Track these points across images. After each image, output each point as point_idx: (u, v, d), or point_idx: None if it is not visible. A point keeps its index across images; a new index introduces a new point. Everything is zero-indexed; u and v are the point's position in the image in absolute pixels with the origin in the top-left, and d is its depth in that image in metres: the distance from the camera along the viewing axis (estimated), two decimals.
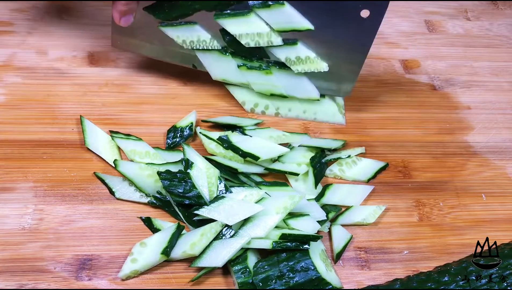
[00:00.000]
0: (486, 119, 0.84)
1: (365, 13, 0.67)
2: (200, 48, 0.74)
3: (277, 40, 0.71)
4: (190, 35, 0.73)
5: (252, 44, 0.71)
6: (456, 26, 0.99)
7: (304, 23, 0.69)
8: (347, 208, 0.69)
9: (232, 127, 0.75)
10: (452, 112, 0.84)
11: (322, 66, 0.73)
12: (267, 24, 0.70)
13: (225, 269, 0.62)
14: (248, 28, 0.70)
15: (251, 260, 0.61)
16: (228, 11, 0.70)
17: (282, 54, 0.73)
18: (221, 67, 0.76)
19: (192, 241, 0.60)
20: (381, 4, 0.66)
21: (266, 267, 0.60)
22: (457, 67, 0.91)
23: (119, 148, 0.70)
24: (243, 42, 0.71)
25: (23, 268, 0.59)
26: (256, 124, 0.76)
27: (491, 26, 1.00)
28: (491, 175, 0.76)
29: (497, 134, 0.82)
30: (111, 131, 0.72)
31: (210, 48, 0.74)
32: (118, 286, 0.59)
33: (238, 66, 0.75)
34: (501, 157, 0.79)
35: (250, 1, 0.69)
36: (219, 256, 0.60)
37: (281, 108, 0.78)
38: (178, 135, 0.73)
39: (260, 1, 0.69)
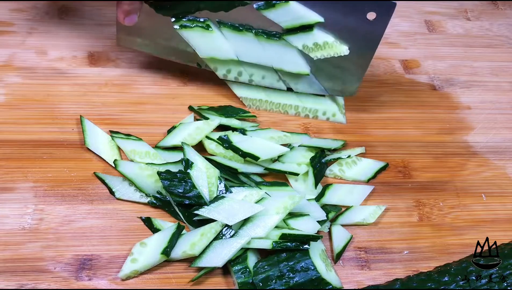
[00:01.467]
0: (486, 119, 0.84)
1: (371, 16, 0.67)
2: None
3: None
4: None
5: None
6: (456, 26, 0.99)
7: (313, 16, 0.68)
8: (347, 208, 0.69)
9: (227, 128, 0.75)
10: (452, 112, 0.84)
11: (342, 49, 0.70)
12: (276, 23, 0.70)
13: (225, 269, 0.62)
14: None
15: (251, 260, 0.61)
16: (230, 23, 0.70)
17: (298, 42, 0.71)
18: (207, 43, 0.74)
19: (192, 241, 0.60)
20: (387, 6, 0.66)
21: (266, 267, 0.60)
22: (457, 67, 0.91)
23: (119, 148, 0.70)
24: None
25: (23, 268, 0.59)
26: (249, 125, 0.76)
27: (491, 26, 1.00)
28: (491, 175, 0.76)
29: (497, 134, 0.82)
30: (111, 131, 0.72)
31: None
32: (118, 286, 0.59)
33: (219, 23, 0.72)
34: (501, 157, 0.79)
35: (255, 4, 0.69)
36: (219, 256, 0.60)
37: (282, 106, 0.79)
38: None
39: (264, 2, 0.69)
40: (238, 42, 0.73)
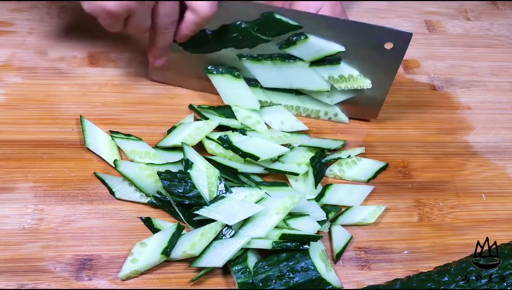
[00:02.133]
0: (486, 119, 0.83)
1: (388, 45, 0.68)
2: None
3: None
4: None
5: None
6: (456, 26, 0.99)
7: (334, 47, 0.70)
8: (347, 208, 0.69)
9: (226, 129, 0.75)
10: (452, 112, 0.84)
11: (366, 83, 0.73)
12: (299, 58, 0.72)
13: (225, 269, 0.62)
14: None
15: (251, 260, 0.61)
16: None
17: (325, 73, 0.73)
18: (233, 91, 0.76)
19: (192, 241, 0.60)
20: (403, 36, 0.67)
21: (266, 267, 0.60)
22: (457, 67, 0.91)
23: (119, 148, 0.70)
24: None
25: (23, 268, 0.59)
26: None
27: (491, 26, 1.00)
28: (491, 175, 0.76)
29: (497, 134, 0.82)
30: (111, 131, 0.72)
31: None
32: (118, 286, 0.59)
33: (239, 56, 0.74)
34: (501, 157, 0.79)
35: (277, 42, 0.70)
36: (219, 256, 0.60)
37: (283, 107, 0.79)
38: None
39: (285, 40, 0.70)
40: (258, 71, 0.75)
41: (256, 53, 0.73)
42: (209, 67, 0.75)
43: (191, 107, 0.77)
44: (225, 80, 0.75)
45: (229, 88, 0.75)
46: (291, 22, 0.68)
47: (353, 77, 0.72)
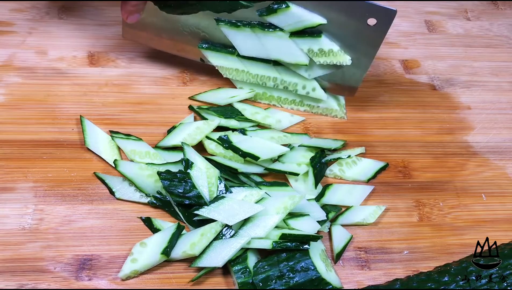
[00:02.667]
0: (486, 119, 0.84)
1: (371, 21, 0.68)
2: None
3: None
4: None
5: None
6: (456, 26, 0.99)
7: (315, 19, 0.69)
8: (347, 208, 0.69)
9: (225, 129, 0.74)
10: (452, 112, 0.84)
11: (345, 59, 0.71)
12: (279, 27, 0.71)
13: (225, 269, 0.62)
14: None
15: (251, 260, 0.61)
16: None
17: (304, 45, 0.71)
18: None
19: (192, 241, 0.60)
20: (387, 13, 0.66)
21: (266, 267, 0.60)
22: (457, 67, 0.91)
23: (119, 148, 0.70)
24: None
25: (23, 268, 0.59)
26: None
27: (491, 26, 1.00)
28: (491, 175, 0.76)
29: (497, 134, 0.82)
30: (111, 131, 0.72)
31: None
32: (118, 286, 0.59)
33: (217, 20, 0.73)
34: (501, 157, 0.79)
35: (257, 9, 0.69)
36: (219, 256, 0.60)
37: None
38: None
39: (265, 8, 0.69)
40: (236, 38, 0.73)
41: (235, 19, 0.71)
42: (203, 45, 0.75)
43: (190, 108, 0.77)
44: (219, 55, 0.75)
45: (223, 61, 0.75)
46: None
47: (333, 52, 0.71)
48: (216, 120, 0.72)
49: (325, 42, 0.71)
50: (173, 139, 0.71)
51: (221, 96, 0.78)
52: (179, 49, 0.78)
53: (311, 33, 0.70)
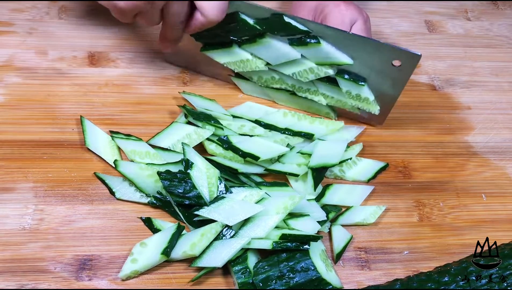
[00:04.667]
0: (486, 119, 0.83)
1: (396, 63, 0.69)
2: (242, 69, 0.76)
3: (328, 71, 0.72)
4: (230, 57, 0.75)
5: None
6: (456, 26, 0.99)
7: (343, 58, 0.70)
8: (347, 208, 0.69)
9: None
10: (452, 112, 0.84)
11: (375, 109, 0.75)
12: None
13: (225, 269, 0.62)
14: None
15: (251, 260, 0.61)
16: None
17: (345, 86, 0.73)
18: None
19: (192, 242, 0.60)
20: (412, 56, 0.67)
21: (266, 267, 0.60)
22: (457, 67, 0.91)
23: (119, 148, 0.70)
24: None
25: (23, 268, 0.59)
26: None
27: (491, 26, 1.00)
28: (492, 175, 0.76)
29: (498, 134, 0.82)
30: (111, 131, 0.72)
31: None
32: (118, 286, 0.59)
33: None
34: (502, 157, 0.79)
35: (287, 39, 0.70)
36: (219, 256, 0.60)
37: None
38: None
39: (297, 39, 0.70)
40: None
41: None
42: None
43: (183, 108, 0.74)
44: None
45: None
46: (299, 26, 0.68)
47: (368, 100, 0.73)
48: (207, 132, 0.71)
49: (365, 91, 0.73)
50: (166, 140, 0.71)
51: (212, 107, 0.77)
52: (215, 74, 0.80)
53: (355, 80, 0.72)
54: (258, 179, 0.70)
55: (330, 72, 0.72)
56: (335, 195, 0.70)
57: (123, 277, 0.59)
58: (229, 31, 0.72)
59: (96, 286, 0.59)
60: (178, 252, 0.60)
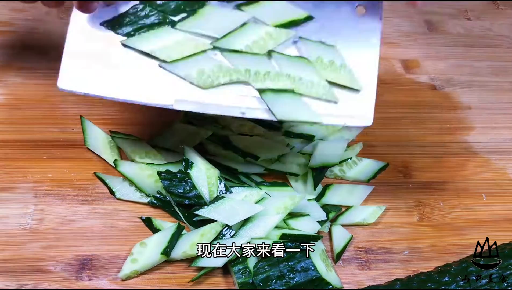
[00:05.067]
0: (486, 119, 0.83)
1: (361, 10, 0.62)
2: None
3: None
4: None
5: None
6: (457, 26, 0.99)
7: (301, 11, 0.62)
8: (347, 208, 0.69)
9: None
10: (452, 112, 0.84)
11: (357, 84, 0.61)
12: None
13: (225, 269, 0.62)
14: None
15: (251, 260, 0.61)
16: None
17: (315, 50, 0.62)
18: None
19: (192, 241, 0.60)
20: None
21: (266, 267, 0.60)
22: (457, 67, 0.91)
23: (119, 148, 0.70)
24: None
25: (23, 268, 0.59)
26: None
27: (492, 26, 1.00)
28: (492, 175, 0.76)
29: (498, 134, 0.82)
30: (111, 131, 0.72)
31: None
32: (118, 286, 0.59)
33: None
34: (502, 157, 0.78)
35: (235, 1, 0.62)
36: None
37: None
38: None
39: None
40: None
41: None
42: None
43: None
44: None
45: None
46: None
47: (344, 67, 0.61)
48: (207, 132, 0.70)
49: (338, 54, 0.62)
50: (163, 141, 0.70)
51: None
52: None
53: (323, 41, 0.62)
54: (258, 179, 0.70)
55: (292, 32, 0.61)
56: (335, 195, 0.70)
57: (123, 277, 0.59)
58: (164, 12, 0.62)
59: (96, 286, 0.59)
60: (178, 252, 0.60)
